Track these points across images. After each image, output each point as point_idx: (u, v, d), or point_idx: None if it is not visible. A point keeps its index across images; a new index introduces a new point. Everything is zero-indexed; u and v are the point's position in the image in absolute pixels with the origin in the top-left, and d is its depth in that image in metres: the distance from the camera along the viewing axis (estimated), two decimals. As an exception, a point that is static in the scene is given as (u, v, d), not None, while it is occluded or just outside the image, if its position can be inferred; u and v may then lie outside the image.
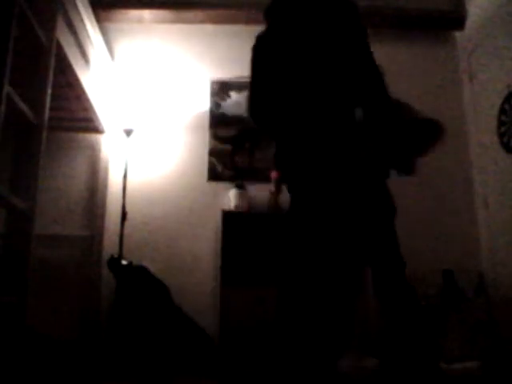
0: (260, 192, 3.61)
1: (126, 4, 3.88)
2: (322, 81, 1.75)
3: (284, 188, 2.57)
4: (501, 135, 3.39)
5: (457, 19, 3.96)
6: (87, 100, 3.20)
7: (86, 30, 3.07)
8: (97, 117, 3.47)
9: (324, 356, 1.69)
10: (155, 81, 3.95)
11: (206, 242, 3.64)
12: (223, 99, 3.95)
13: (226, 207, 3.52)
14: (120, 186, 3.57)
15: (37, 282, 2.03)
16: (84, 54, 3.05)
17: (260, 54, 1.88)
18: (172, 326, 3.02)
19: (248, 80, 1.89)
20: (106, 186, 3.74)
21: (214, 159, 3.83)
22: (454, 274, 3.38)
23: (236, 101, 3.94)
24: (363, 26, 1.81)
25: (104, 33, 3.69)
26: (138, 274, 3.16)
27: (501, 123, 3.39)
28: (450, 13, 3.98)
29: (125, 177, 3.55)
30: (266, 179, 3.56)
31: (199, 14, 3.91)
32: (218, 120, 3.91)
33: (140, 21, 3.95)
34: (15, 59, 1.95)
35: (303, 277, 1.71)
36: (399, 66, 3.90)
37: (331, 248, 1.72)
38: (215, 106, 3.94)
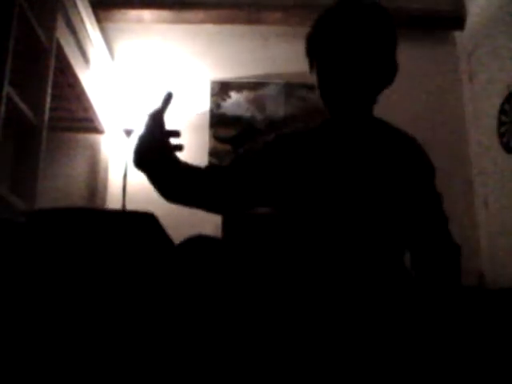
0: (260, 192, 3.60)
1: (126, 4, 3.88)
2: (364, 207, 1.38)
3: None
4: (501, 135, 3.38)
5: (457, 19, 3.96)
6: (87, 100, 3.19)
7: (85, 30, 3.07)
8: (97, 117, 3.47)
9: None
10: (155, 81, 3.94)
11: (205, 242, 3.63)
12: (223, 99, 3.94)
13: (226, 207, 3.51)
14: (120, 186, 3.57)
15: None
16: (84, 54, 3.06)
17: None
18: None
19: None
20: (105, 186, 3.74)
21: (214, 159, 3.83)
22: (454, 274, 3.38)
23: (236, 101, 3.93)
24: (432, 167, 1.55)
25: (104, 33, 3.69)
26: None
27: (501, 123, 3.39)
28: (450, 13, 3.98)
29: (125, 177, 3.54)
30: (265, 179, 3.55)
31: (199, 13, 3.91)
32: (218, 120, 3.90)
33: (140, 21, 3.95)
34: (15, 59, 1.95)
35: None
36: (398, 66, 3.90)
37: None
38: (215, 106, 3.93)
